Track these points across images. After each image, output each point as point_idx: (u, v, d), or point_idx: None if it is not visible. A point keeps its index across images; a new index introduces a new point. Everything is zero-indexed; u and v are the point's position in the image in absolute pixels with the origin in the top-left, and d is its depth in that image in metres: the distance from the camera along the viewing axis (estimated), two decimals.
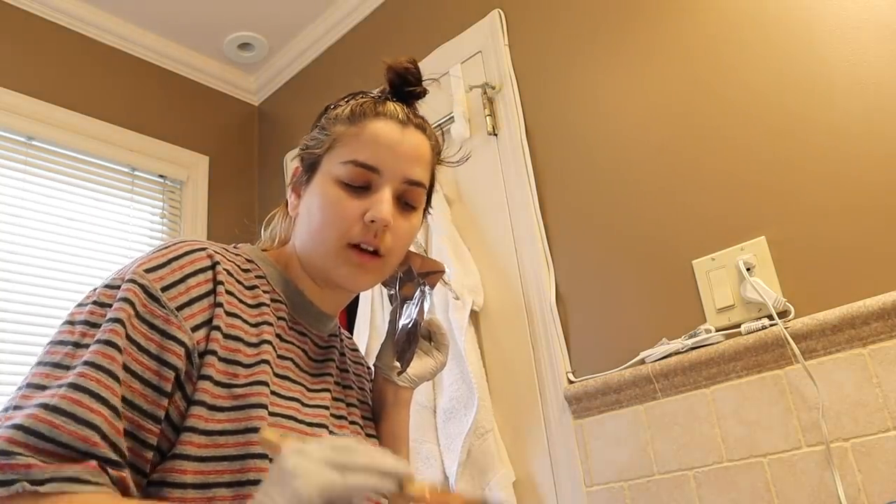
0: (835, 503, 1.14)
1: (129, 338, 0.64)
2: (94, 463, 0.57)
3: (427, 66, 2.07)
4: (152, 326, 0.65)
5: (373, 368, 0.96)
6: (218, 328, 0.69)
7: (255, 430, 0.67)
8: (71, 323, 0.66)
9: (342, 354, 0.91)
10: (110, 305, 0.66)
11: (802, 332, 1.21)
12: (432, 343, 0.93)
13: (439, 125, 1.90)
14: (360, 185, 0.78)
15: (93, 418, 0.58)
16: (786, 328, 1.22)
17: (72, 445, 0.57)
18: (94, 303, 0.67)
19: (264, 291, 0.79)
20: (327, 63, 2.50)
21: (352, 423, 0.85)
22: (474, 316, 1.72)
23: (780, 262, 1.30)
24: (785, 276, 1.29)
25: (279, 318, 0.79)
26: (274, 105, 2.72)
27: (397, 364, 0.88)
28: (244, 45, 2.56)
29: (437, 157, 0.88)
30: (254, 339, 0.73)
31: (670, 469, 1.34)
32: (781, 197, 1.32)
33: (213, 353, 0.68)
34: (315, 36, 2.51)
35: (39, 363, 0.64)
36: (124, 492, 0.59)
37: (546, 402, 1.56)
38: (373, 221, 0.76)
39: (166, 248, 0.72)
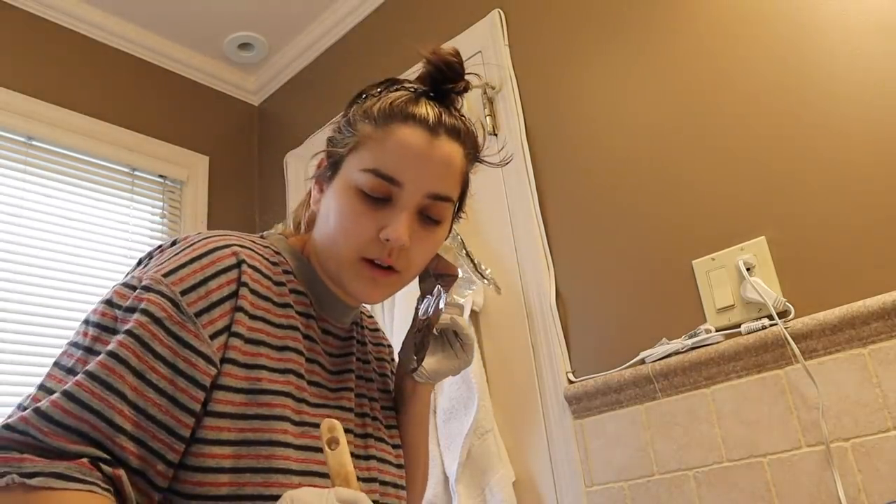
0: (835, 503, 1.14)
1: (143, 345, 0.62)
2: (84, 460, 0.57)
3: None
4: (169, 333, 0.63)
5: (395, 352, 0.94)
6: (238, 335, 0.67)
7: (277, 443, 0.66)
8: (86, 322, 0.65)
9: (362, 343, 0.90)
10: (121, 307, 0.65)
11: (802, 332, 1.21)
12: (458, 341, 0.90)
13: None
14: (380, 197, 0.73)
15: (78, 425, 0.58)
16: (786, 328, 1.22)
17: (56, 448, 0.57)
18: (107, 302, 0.66)
19: (290, 290, 0.76)
20: (327, 63, 2.50)
21: (373, 418, 0.84)
22: (474, 316, 1.72)
23: (780, 262, 1.30)
24: (785, 276, 1.29)
25: (307, 316, 0.77)
26: (274, 105, 2.72)
27: (414, 358, 0.87)
28: (244, 45, 2.56)
29: (472, 161, 0.83)
30: (278, 343, 0.71)
31: (670, 469, 1.34)
32: (781, 197, 1.32)
33: (232, 361, 0.66)
34: (315, 36, 2.51)
35: (55, 364, 0.64)
36: (119, 491, 0.59)
37: (546, 402, 1.56)
38: (387, 241, 0.73)
39: (191, 245, 0.70)
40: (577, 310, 1.58)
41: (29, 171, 2.03)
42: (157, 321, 0.63)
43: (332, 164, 0.79)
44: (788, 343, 1.21)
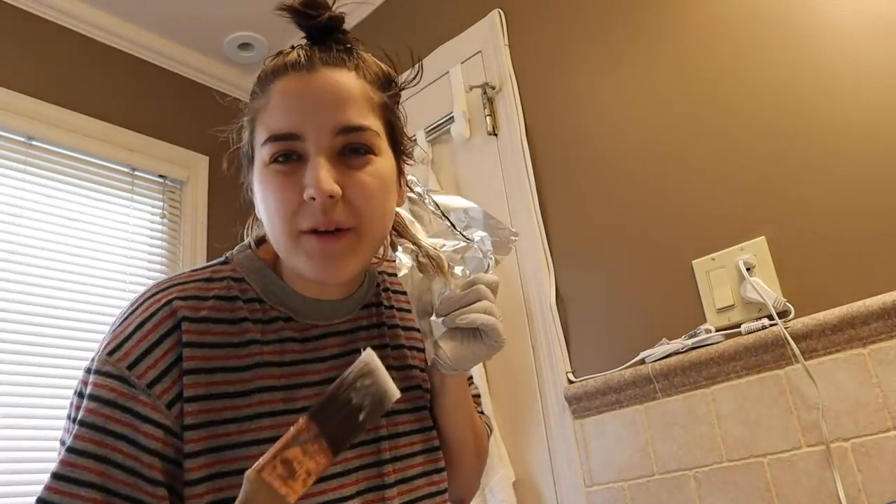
0: (835, 503, 1.14)
1: (99, 430, 0.60)
2: None
3: (427, 66, 2.07)
4: (125, 410, 0.61)
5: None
6: (194, 399, 0.63)
7: None
8: (68, 417, 0.64)
9: (378, 326, 0.79)
10: (82, 395, 0.63)
11: (802, 332, 1.21)
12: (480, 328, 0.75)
13: (439, 125, 1.90)
14: (291, 158, 0.65)
15: None
16: (786, 328, 1.22)
17: None
18: (76, 393, 0.64)
19: (255, 321, 0.69)
20: None
21: (388, 414, 0.75)
22: None
23: (780, 262, 1.30)
24: (785, 276, 1.29)
25: (282, 341, 0.70)
26: None
27: (432, 347, 0.76)
28: (244, 45, 2.55)
29: (382, 87, 0.72)
30: (246, 388, 0.66)
31: (670, 469, 1.34)
32: (781, 197, 1.32)
33: (192, 426, 0.63)
34: None
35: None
36: None
37: (546, 402, 1.56)
38: (313, 199, 0.63)
39: (132, 311, 0.66)
40: (577, 310, 1.58)
41: (29, 171, 2.03)
42: (107, 403, 0.61)
43: (247, 158, 0.73)
44: (788, 343, 1.21)
